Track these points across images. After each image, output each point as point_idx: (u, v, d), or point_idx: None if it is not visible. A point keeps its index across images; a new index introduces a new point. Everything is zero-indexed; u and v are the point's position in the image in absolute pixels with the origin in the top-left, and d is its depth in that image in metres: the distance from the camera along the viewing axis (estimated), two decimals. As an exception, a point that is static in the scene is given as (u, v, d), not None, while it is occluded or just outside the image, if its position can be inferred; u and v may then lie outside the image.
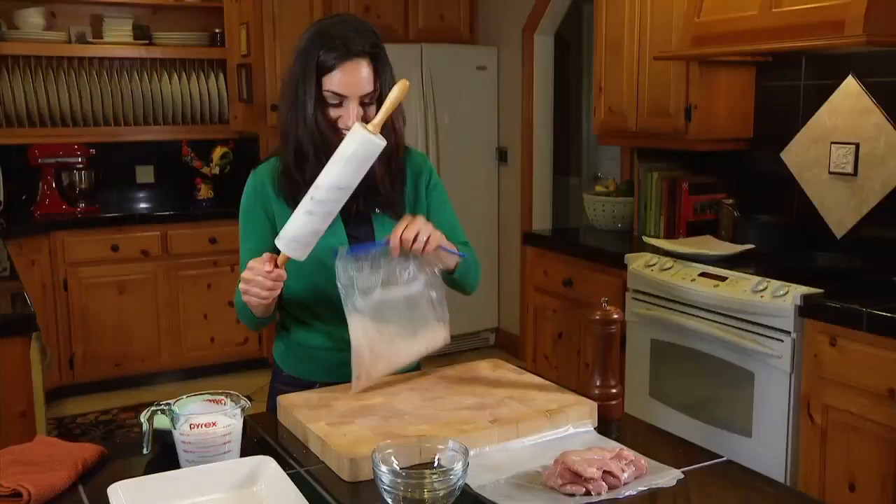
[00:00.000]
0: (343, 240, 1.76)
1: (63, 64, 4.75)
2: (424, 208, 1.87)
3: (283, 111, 1.76)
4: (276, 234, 1.76)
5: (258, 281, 1.60)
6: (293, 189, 1.73)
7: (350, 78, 1.67)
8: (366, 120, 1.66)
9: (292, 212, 1.66)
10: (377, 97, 1.71)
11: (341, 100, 1.68)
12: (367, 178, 1.65)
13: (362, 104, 1.70)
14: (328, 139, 1.70)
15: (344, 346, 1.74)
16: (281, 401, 1.63)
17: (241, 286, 1.62)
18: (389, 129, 1.74)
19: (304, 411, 1.55)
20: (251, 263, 1.61)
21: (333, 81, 1.67)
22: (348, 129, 1.62)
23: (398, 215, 1.77)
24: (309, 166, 1.72)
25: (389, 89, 1.65)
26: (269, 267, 1.59)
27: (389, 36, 4.81)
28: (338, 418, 1.52)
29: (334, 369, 1.77)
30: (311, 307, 1.83)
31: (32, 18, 4.61)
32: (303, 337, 1.85)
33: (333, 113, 1.70)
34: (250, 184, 1.83)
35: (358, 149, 1.56)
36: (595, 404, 1.59)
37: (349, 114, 1.68)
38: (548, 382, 1.73)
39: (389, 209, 1.81)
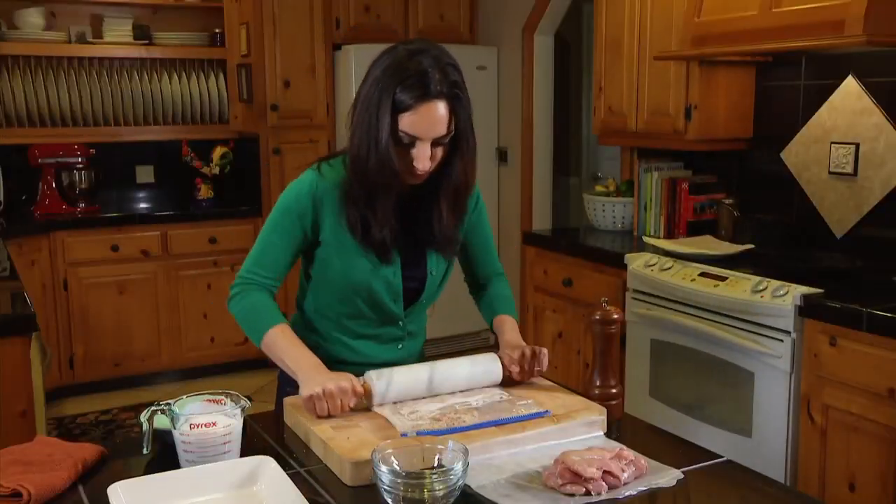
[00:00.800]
0: (398, 271, 1.76)
1: (63, 64, 4.74)
2: (465, 229, 1.87)
3: (354, 139, 1.67)
4: (308, 246, 1.75)
5: (335, 406, 1.52)
6: (363, 219, 1.69)
7: (425, 121, 1.60)
8: (433, 160, 1.64)
9: (349, 233, 1.68)
10: (449, 138, 1.65)
11: (413, 139, 1.62)
12: (431, 215, 1.72)
13: (433, 144, 1.64)
14: (400, 177, 1.66)
15: (363, 360, 1.78)
16: (287, 402, 1.63)
17: (314, 392, 1.52)
18: (460, 172, 1.71)
19: (309, 413, 1.55)
20: (343, 386, 1.53)
21: (407, 122, 1.60)
22: (419, 170, 1.63)
23: (451, 254, 1.82)
24: (380, 206, 1.68)
25: (466, 129, 1.66)
26: (353, 402, 1.55)
27: (389, 36, 4.81)
28: (342, 421, 1.51)
29: None
30: (340, 323, 1.81)
31: (32, 18, 4.61)
32: (325, 349, 1.79)
33: (404, 151, 1.63)
34: (309, 185, 1.73)
35: (488, 373, 1.67)
36: (605, 410, 1.58)
37: (418, 154, 1.62)
38: (556, 385, 1.72)
39: (446, 249, 1.81)
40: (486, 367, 1.69)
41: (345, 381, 1.54)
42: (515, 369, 1.69)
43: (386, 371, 1.61)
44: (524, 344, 1.77)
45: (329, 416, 1.52)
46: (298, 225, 1.73)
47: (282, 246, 1.74)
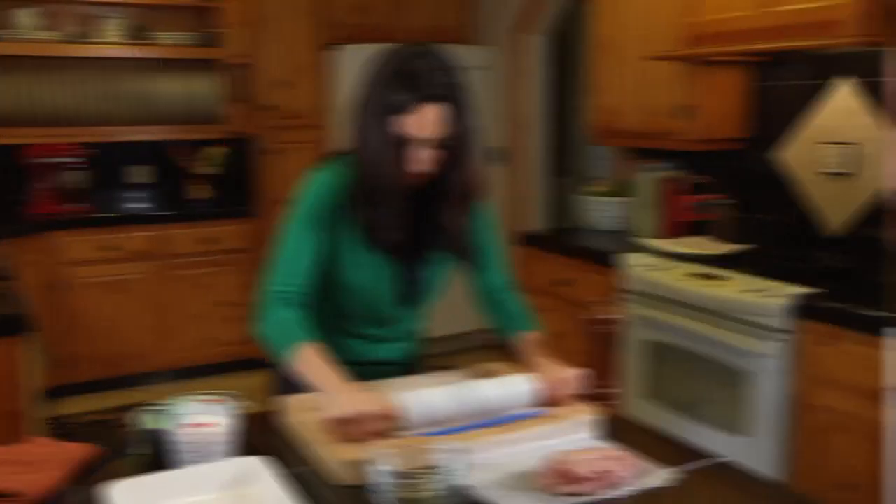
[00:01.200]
0: (400, 273, 1.74)
1: (58, 64, 4.73)
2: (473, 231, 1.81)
3: (354, 141, 1.65)
4: (329, 247, 1.70)
5: (363, 432, 1.42)
6: (370, 220, 1.66)
7: (423, 122, 1.56)
8: (431, 162, 1.60)
9: (358, 233, 1.65)
10: (451, 141, 1.61)
11: (411, 141, 1.59)
12: (438, 220, 1.68)
13: (434, 147, 1.60)
14: (400, 181, 1.62)
15: (356, 358, 1.75)
16: (287, 402, 1.63)
17: (336, 413, 1.43)
18: (464, 176, 1.66)
19: (308, 413, 1.54)
20: (373, 412, 1.43)
21: (405, 124, 1.57)
22: (417, 172, 1.59)
23: (460, 257, 1.78)
24: (384, 208, 1.64)
25: (468, 132, 1.61)
26: (382, 426, 1.45)
27: (385, 36, 4.80)
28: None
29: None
30: (336, 322, 1.79)
31: (27, 18, 4.60)
32: (329, 351, 1.73)
33: (403, 153, 1.60)
34: (324, 185, 1.70)
35: (521, 396, 1.58)
36: (602, 410, 1.58)
37: (417, 156, 1.59)
38: None
39: (455, 254, 1.77)
40: (519, 389, 1.61)
41: (374, 404, 1.45)
42: (548, 395, 1.61)
43: (416, 395, 1.52)
44: (558, 367, 1.68)
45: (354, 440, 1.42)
46: (320, 226, 1.68)
47: (310, 249, 1.67)
